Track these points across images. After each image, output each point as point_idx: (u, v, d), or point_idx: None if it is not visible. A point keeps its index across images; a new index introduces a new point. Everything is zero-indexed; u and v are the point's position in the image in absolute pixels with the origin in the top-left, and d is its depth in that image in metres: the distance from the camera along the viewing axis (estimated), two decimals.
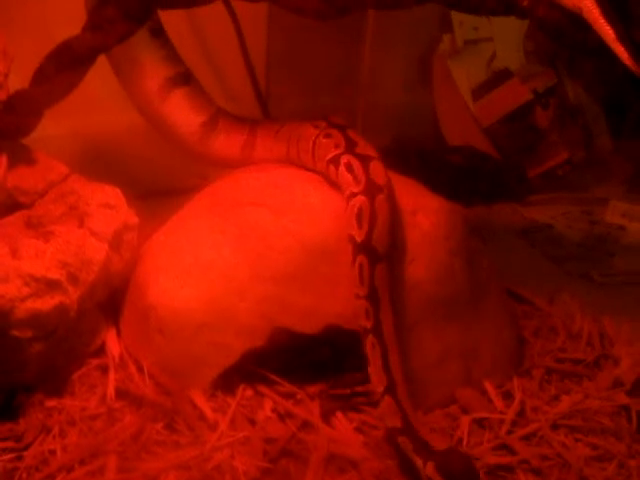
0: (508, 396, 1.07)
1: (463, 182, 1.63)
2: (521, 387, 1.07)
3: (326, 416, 1.02)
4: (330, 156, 1.06)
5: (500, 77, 1.69)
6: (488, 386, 1.07)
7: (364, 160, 1.03)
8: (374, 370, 0.97)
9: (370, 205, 0.99)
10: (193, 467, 0.94)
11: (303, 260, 1.03)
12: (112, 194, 1.12)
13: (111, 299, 1.12)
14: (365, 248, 0.99)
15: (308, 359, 1.06)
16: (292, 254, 1.03)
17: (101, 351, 1.10)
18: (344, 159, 1.04)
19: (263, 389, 1.05)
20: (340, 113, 1.14)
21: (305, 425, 1.01)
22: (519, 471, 0.96)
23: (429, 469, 0.88)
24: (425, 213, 1.07)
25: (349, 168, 1.03)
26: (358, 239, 0.99)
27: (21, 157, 1.13)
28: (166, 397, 1.02)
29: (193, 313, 1.05)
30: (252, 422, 1.01)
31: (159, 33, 1.17)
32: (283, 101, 1.61)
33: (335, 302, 1.01)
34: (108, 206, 1.10)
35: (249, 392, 1.05)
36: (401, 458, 0.94)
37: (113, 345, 1.10)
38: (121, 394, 1.03)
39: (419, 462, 0.90)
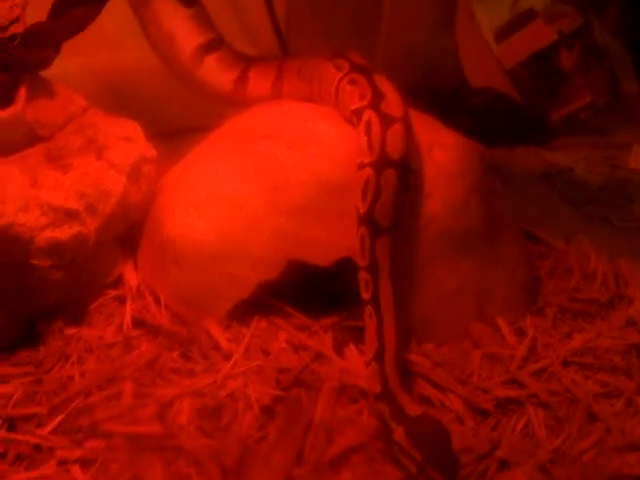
0: (521, 333, 1.08)
1: (484, 124, 1.62)
2: (534, 325, 1.09)
3: (339, 348, 1.04)
4: (354, 107, 1.05)
5: (524, 18, 1.67)
6: (501, 323, 1.08)
7: (385, 123, 1.00)
8: (368, 338, 0.98)
9: (376, 179, 0.99)
10: (207, 394, 0.97)
11: (317, 194, 1.04)
12: (130, 127, 1.13)
13: (129, 232, 1.14)
14: (367, 220, 0.99)
15: (322, 292, 1.08)
16: (307, 188, 1.04)
17: (119, 282, 1.12)
18: (366, 116, 1.02)
19: (278, 321, 1.07)
20: (360, 53, 1.15)
21: (318, 356, 1.03)
22: (528, 405, 0.97)
23: (398, 434, 0.88)
24: (442, 148, 1.07)
25: (367, 129, 1.01)
26: (361, 210, 1.00)
27: (40, 90, 1.13)
28: (182, 327, 1.05)
29: (209, 245, 1.06)
30: (266, 352, 1.03)
31: (192, 3, 1.19)
32: (303, 40, 1.61)
33: (348, 236, 1.02)
34: (126, 139, 1.11)
35: (263, 323, 1.07)
36: (381, 424, 0.94)
37: (131, 277, 1.12)
38: (138, 323, 1.06)
39: (392, 427, 0.91)
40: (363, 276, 1.00)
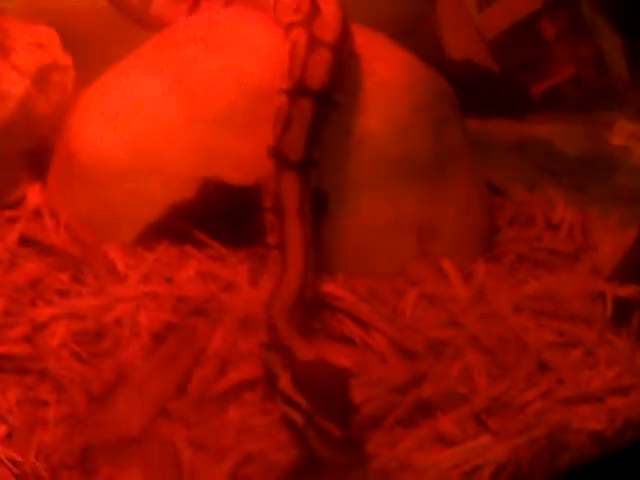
0: (469, 278, 0.89)
1: (460, 96, 1.45)
2: (486, 270, 0.89)
3: (254, 279, 0.85)
4: (287, 21, 0.88)
5: None
6: (446, 264, 0.88)
7: (311, 47, 0.84)
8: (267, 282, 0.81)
9: (288, 108, 0.82)
10: (89, 317, 0.78)
11: (241, 102, 0.86)
12: (45, 33, 0.96)
13: (39, 152, 0.97)
14: (274, 154, 0.82)
15: (240, 220, 0.89)
16: (230, 95, 0.86)
17: (19, 204, 0.94)
18: (294, 34, 0.86)
19: (189, 249, 0.88)
20: None
21: (229, 287, 0.84)
22: (467, 348, 0.77)
23: (283, 381, 0.67)
24: (385, 62, 0.88)
25: (292, 51, 0.85)
26: (269, 142, 0.83)
27: None
28: (77, 248, 0.87)
29: (117, 160, 0.88)
30: (169, 280, 0.85)
31: None
32: None
33: None
34: (38, 44, 0.94)
35: (173, 251, 0.88)
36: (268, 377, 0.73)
37: (33, 197, 0.93)
38: (28, 242, 0.87)
39: (278, 375, 0.70)
40: (268, 218, 0.82)
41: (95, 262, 0.84)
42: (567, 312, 0.83)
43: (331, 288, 0.82)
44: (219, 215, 0.89)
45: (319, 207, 0.86)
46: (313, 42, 0.84)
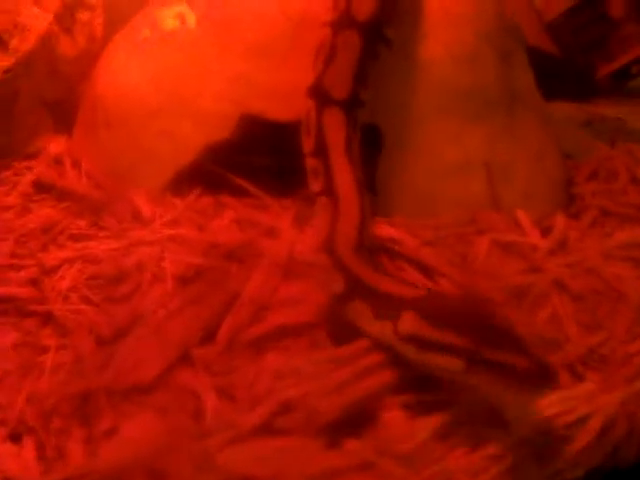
0: (548, 231, 0.73)
1: None
2: (566, 224, 0.74)
3: (299, 223, 0.71)
4: None
5: None
6: (521, 215, 0.73)
7: None
8: (316, 228, 0.65)
9: (332, 40, 0.69)
10: (106, 260, 0.64)
11: (282, 31, 0.72)
12: None
13: (64, 102, 0.85)
14: (314, 91, 0.69)
15: (284, 162, 0.75)
16: (268, 22, 0.72)
17: (39, 155, 0.82)
18: None
19: (226, 199, 0.74)
20: None
21: (270, 233, 0.70)
22: (554, 295, 0.61)
23: (404, 322, 0.51)
24: None
25: None
26: (309, 79, 0.69)
27: None
28: (99, 193, 0.73)
29: (144, 98, 0.75)
30: (201, 228, 0.71)
31: None
32: None
33: None
34: None
35: (208, 199, 0.74)
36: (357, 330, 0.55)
37: (54, 147, 0.81)
38: (43, 188, 0.74)
39: (385, 326, 0.53)
40: (310, 162, 0.68)
41: (118, 208, 0.71)
42: None
43: (389, 231, 0.67)
44: (260, 158, 0.75)
45: (372, 145, 0.72)
46: None
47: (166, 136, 0.74)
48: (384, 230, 0.67)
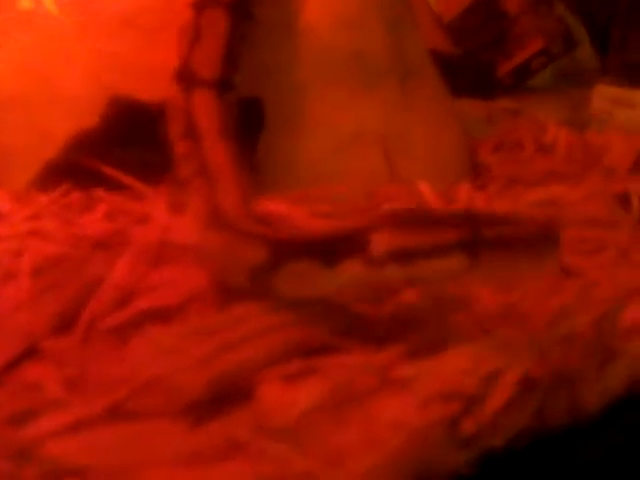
0: (452, 202, 0.67)
1: None
2: (471, 192, 0.67)
3: (174, 209, 0.62)
4: None
5: None
6: (423, 187, 0.67)
7: None
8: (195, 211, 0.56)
9: (196, 19, 0.63)
10: None
11: (147, 4, 0.66)
12: None
13: None
14: (181, 74, 0.62)
15: (159, 145, 0.67)
16: None
17: None
18: None
19: (99, 193, 0.66)
20: None
21: (143, 220, 0.62)
22: None
23: (378, 241, 0.42)
24: None
25: None
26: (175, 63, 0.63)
27: None
28: None
29: (4, 85, 0.67)
30: (67, 221, 0.62)
31: None
32: None
33: None
34: None
35: (77, 194, 0.66)
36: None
37: None
38: None
39: (348, 267, 0.43)
40: (180, 148, 0.60)
41: None
42: (583, 218, 0.61)
43: (277, 208, 0.60)
44: (133, 146, 0.67)
45: (252, 121, 0.65)
46: None
47: (29, 126, 0.66)
48: (270, 207, 0.59)
